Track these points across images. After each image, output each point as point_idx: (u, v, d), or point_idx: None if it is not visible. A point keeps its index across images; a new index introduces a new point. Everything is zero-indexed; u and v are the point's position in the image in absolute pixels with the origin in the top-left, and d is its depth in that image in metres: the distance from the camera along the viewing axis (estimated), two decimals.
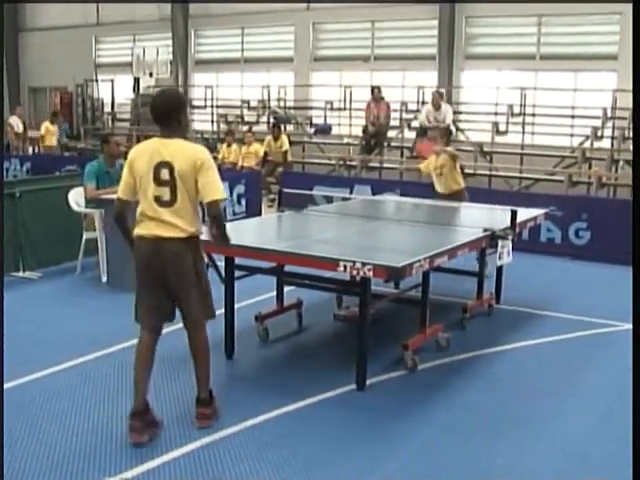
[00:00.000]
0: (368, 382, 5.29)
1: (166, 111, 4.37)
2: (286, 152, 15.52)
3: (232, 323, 5.93)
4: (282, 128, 16.56)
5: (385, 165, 16.15)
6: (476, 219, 6.94)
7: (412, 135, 16.46)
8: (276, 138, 15.56)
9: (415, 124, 16.81)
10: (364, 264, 4.76)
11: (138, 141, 20.82)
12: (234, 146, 15.71)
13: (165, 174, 4.29)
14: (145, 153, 4.38)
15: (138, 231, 4.40)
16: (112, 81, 23.21)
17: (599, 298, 8.01)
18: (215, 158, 16.19)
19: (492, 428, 4.74)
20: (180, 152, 4.29)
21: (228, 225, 4.61)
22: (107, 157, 8.41)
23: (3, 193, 7.98)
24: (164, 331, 4.64)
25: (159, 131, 4.39)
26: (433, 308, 6.13)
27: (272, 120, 18.93)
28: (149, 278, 4.44)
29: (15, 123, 20.84)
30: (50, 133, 19.42)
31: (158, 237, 4.33)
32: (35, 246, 8.63)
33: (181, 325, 4.61)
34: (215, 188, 4.30)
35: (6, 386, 4.99)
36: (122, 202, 4.50)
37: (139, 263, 4.45)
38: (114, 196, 6.68)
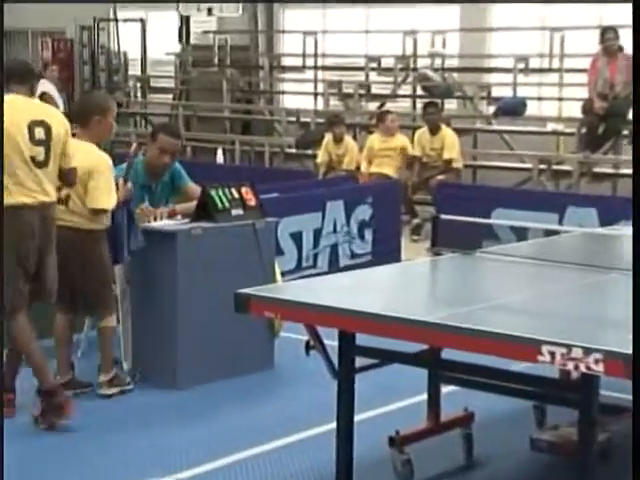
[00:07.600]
0: None
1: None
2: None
3: (350, 448, 4.54)
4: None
5: (622, 171, 11.86)
6: None
7: None
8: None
9: None
10: (587, 350, 3.57)
11: (188, 129, 16.21)
12: (348, 140, 11.86)
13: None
14: None
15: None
16: (142, 21, 17.31)
17: None
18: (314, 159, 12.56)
19: None
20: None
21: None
22: (149, 166, 6.39)
23: None
24: None
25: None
26: None
27: (420, 90, 14.61)
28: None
29: None
30: None
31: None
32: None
33: None
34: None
35: None
36: None
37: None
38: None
